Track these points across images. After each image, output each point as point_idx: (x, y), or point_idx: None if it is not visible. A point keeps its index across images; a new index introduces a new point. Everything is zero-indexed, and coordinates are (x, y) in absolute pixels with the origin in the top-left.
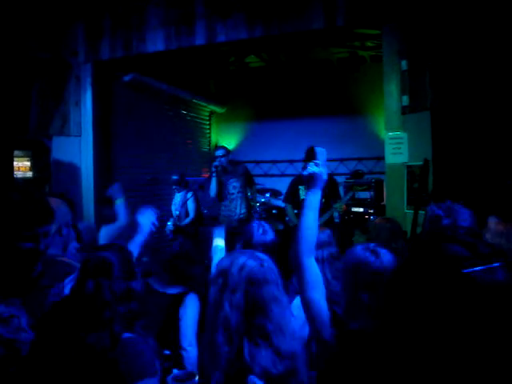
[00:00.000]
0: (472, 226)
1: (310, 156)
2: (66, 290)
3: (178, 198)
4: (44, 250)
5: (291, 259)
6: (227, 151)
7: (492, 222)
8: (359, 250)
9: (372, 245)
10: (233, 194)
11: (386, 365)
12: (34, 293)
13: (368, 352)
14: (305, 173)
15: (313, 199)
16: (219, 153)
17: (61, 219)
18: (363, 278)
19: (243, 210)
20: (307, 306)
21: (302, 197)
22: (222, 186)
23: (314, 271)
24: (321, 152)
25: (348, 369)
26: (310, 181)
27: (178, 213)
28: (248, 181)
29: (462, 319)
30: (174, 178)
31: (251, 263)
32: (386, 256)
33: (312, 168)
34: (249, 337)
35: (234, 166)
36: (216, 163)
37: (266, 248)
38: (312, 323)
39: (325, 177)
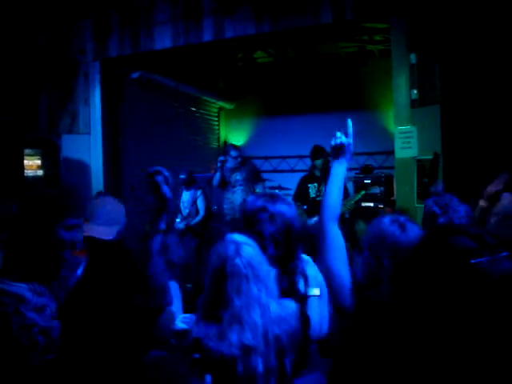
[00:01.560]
0: (468, 223)
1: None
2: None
3: (186, 195)
4: (80, 240)
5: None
6: (239, 153)
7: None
8: (387, 220)
9: (402, 218)
10: (234, 186)
11: (399, 337)
12: (58, 282)
13: (384, 323)
14: (333, 142)
15: (338, 168)
16: (233, 154)
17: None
18: (387, 250)
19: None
20: (328, 273)
21: (311, 195)
22: (225, 179)
23: (337, 237)
24: (350, 124)
25: (364, 336)
26: (337, 150)
27: (187, 211)
28: (253, 176)
29: (471, 308)
30: (182, 177)
31: (227, 254)
32: (413, 230)
33: (341, 138)
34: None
35: (242, 162)
36: (222, 158)
37: None
38: (331, 290)
39: (352, 148)
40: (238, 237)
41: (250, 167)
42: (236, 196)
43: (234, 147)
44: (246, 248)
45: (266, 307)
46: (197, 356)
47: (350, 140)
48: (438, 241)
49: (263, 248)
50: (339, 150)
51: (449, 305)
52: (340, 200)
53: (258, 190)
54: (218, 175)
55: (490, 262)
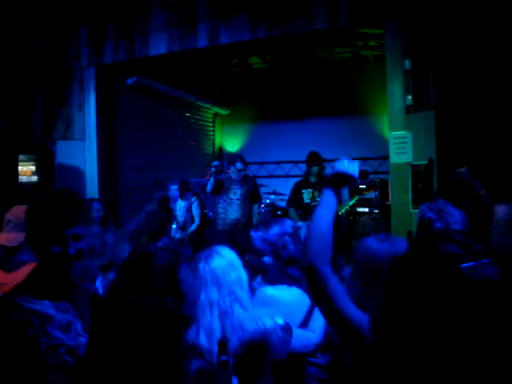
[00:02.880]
0: (464, 227)
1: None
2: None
3: (181, 203)
4: (75, 254)
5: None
6: (245, 166)
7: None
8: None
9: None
10: (232, 199)
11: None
12: (78, 296)
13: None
14: (338, 168)
15: (330, 200)
16: (239, 166)
17: None
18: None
19: (236, 216)
20: (344, 320)
21: (305, 200)
22: (221, 187)
23: (335, 280)
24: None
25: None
26: (337, 179)
27: (183, 219)
28: (253, 194)
29: (454, 313)
30: (174, 187)
31: (198, 261)
32: (369, 243)
33: (347, 169)
34: None
35: (245, 177)
36: (216, 163)
37: None
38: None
39: (350, 182)
40: (218, 248)
41: (252, 186)
42: (233, 207)
43: (241, 159)
44: (215, 257)
45: (228, 313)
46: (224, 358)
47: (356, 175)
48: (424, 247)
49: None
50: (340, 180)
51: (431, 309)
52: (330, 236)
53: (254, 210)
54: (211, 180)
55: (474, 267)
